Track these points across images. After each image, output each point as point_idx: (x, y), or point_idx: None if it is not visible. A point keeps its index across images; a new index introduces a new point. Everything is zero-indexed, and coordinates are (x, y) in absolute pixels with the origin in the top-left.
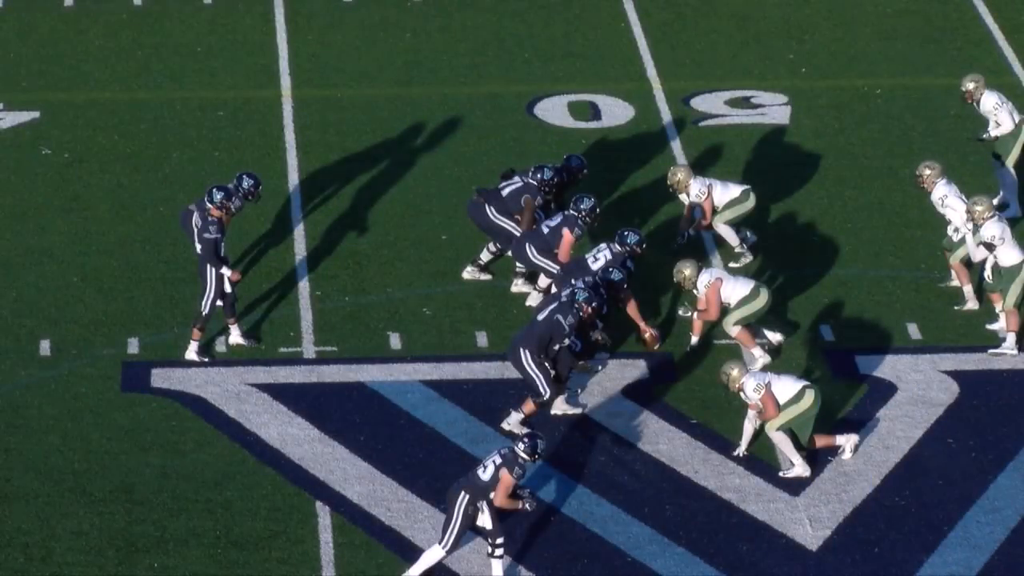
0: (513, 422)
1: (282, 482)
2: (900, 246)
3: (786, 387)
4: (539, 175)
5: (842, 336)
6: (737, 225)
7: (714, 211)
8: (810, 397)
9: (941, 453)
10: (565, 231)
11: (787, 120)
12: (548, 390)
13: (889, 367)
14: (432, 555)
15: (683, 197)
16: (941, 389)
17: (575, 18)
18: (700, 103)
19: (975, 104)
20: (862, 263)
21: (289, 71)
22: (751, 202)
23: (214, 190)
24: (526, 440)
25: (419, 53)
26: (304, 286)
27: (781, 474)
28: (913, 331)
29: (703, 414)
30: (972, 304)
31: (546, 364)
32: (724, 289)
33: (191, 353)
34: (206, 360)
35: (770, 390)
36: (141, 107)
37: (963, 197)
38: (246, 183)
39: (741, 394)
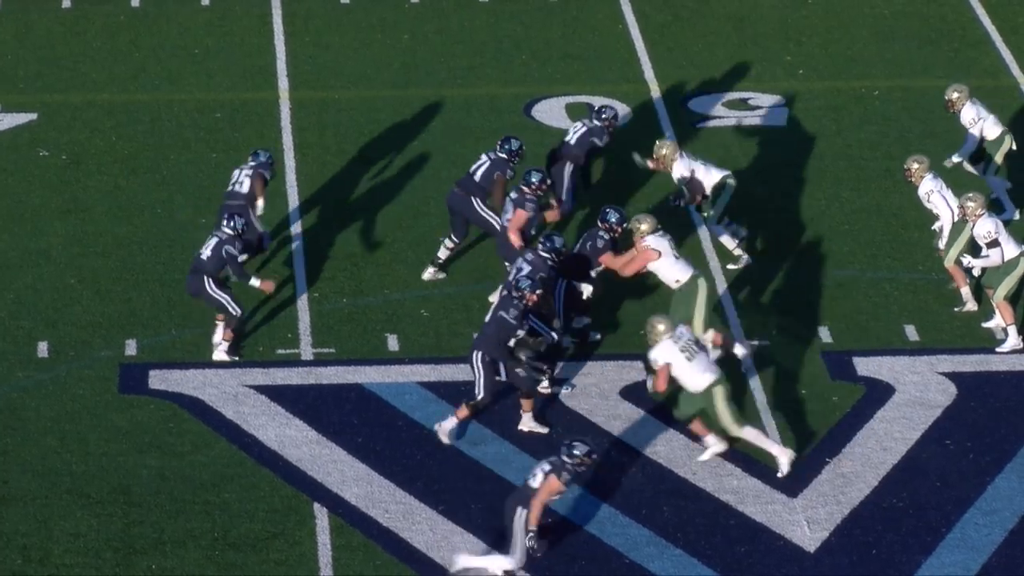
0: (445, 429)
1: (280, 484)
2: (898, 247)
3: (691, 374)
4: (507, 147)
5: (840, 338)
6: (730, 222)
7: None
8: (720, 392)
9: (939, 455)
10: (518, 211)
11: (784, 122)
12: (482, 393)
13: (887, 369)
14: (500, 562)
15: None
16: (939, 391)
17: (573, 20)
18: (697, 105)
19: (956, 114)
20: (860, 264)
21: (287, 73)
22: (732, 186)
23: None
24: (572, 446)
25: (416, 55)
26: (302, 288)
27: (701, 459)
28: (911, 332)
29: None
30: (971, 305)
31: (501, 368)
32: (661, 264)
33: (220, 353)
34: (236, 359)
35: (663, 370)
36: (139, 109)
37: (947, 194)
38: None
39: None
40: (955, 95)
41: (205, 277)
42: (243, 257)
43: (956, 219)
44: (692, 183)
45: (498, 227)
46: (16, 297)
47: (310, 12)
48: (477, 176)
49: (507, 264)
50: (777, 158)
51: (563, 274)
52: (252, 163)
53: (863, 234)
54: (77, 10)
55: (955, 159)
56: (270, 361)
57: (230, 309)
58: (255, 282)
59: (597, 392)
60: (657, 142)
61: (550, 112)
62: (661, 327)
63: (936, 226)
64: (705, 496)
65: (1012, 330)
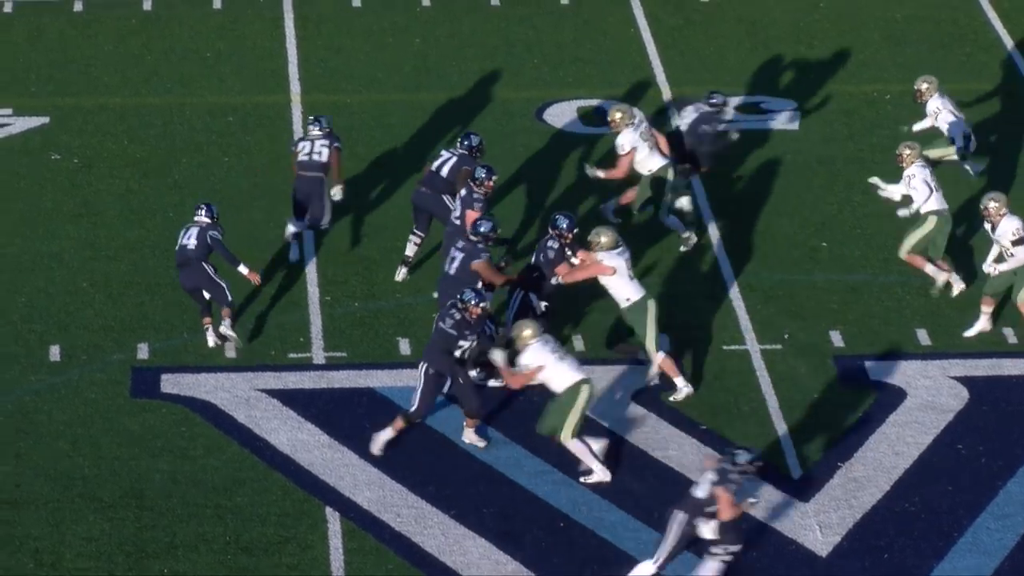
0: (379, 440)
1: (292, 488)
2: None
3: (562, 376)
4: (467, 143)
5: (852, 342)
6: (681, 212)
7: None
8: (584, 392)
9: (951, 459)
10: (468, 212)
11: (796, 126)
12: (415, 407)
13: (899, 373)
14: (642, 569)
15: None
16: (951, 395)
17: (584, 24)
18: None
19: (923, 104)
20: (872, 269)
21: (298, 76)
22: (670, 182)
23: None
24: (736, 453)
25: (428, 58)
26: (314, 292)
27: (582, 479)
28: (923, 337)
29: (712, 420)
30: (942, 281)
31: (441, 381)
32: (613, 281)
33: (227, 328)
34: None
35: (528, 372)
36: (150, 112)
37: (932, 182)
38: None
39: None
40: (924, 86)
41: (202, 265)
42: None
43: (923, 212)
44: (626, 158)
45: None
46: (28, 301)
47: (322, 16)
48: (444, 172)
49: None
50: (788, 162)
51: (521, 286)
52: (322, 133)
53: (875, 238)
54: (89, 14)
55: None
56: (282, 365)
57: (229, 295)
58: (243, 269)
59: (609, 396)
60: (614, 106)
61: (562, 116)
62: (528, 331)
63: (902, 211)
64: None
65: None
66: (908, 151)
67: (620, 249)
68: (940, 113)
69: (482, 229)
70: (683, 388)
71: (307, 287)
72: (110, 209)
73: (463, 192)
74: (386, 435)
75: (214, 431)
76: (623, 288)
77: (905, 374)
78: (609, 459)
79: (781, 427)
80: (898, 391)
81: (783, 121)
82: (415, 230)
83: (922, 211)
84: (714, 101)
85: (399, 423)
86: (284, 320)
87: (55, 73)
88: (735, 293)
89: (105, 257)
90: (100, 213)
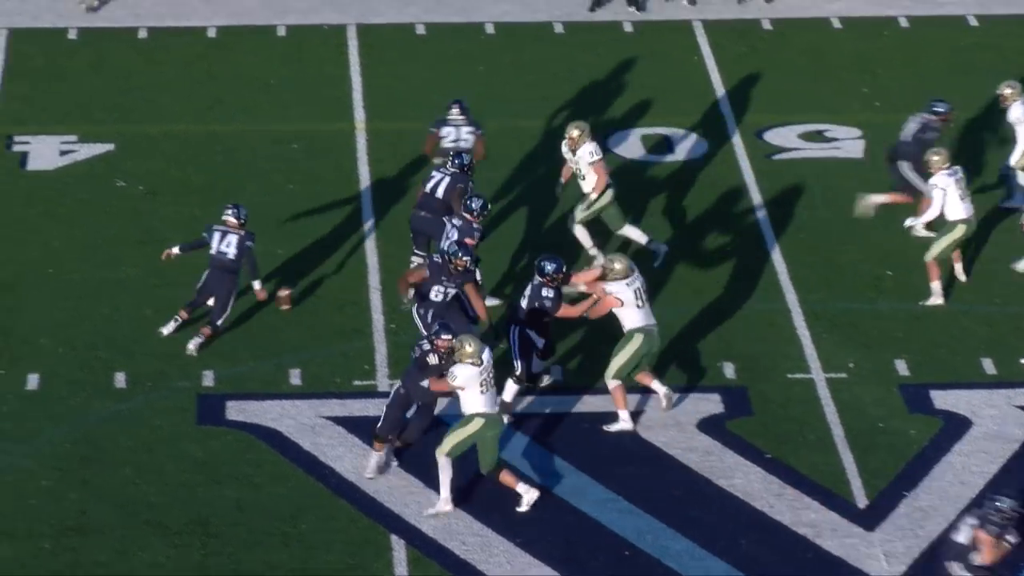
0: (370, 465)
1: (357, 515)
2: (974, 280)
3: (471, 403)
4: (458, 161)
5: (917, 371)
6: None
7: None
8: (478, 423)
9: (1017, 489)
10: (467, 240)
11: (861, 154)
12: (381, 424)
13: (964, 402)
14: None
15: (569, 154)
16: (1016, 424)
17: (648, 51)
18: (773, 136)
19: (1005, 110)
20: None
21: (363, 104)
22: (608, 198)
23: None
24: (998, 499)
25: (491, 86)
26: (378, 319)
27: (426, 512)
28: (988, 366)
29: (778, 448)
30: (938, 300)
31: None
32: (622, 312)
33: (194, 345)
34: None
35: (450, 384)
36: (215, 139)
37: (959, 191)
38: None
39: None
40: (1008, 91)
41: (234, 277)
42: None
43: (950, 219)
44: (594, 168)
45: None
46: (93, 328)
47: (386, 43)
48: (439, 193)
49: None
50: (853, 190)
51: (515, 322)
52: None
53: (940, 267)
54: (154, 40)
55: (1011, 162)
56: (347, 392)
57: (226, 315)
58: (256, 284)
59: (674, 424)
60: (572, 123)
61: (625, 144)
62: (470, 348)
63: (916, 222)
64: (782, 529)
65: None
66: (935, 158)
67: (632, 278)
68: (1021, 123)
69: (474, 206)
70: (624, 422)
71: (372, 315)
72: (175, 236)
73: (459, 222)
74: (374, 460)
75: (279, 458)
76: (628, 317)
77: (970, 403)
78: (675, 488)
79: (846, 456)
80: (963, 420)
81: (847, 149)
82: (416, 251)
83: (949, 219)
84: (938, 109)
85: (377, 444)
86: (349, 348)
87: (120, 100)
88: (800, 322)
89: (170, 284)
90: (165, 240)
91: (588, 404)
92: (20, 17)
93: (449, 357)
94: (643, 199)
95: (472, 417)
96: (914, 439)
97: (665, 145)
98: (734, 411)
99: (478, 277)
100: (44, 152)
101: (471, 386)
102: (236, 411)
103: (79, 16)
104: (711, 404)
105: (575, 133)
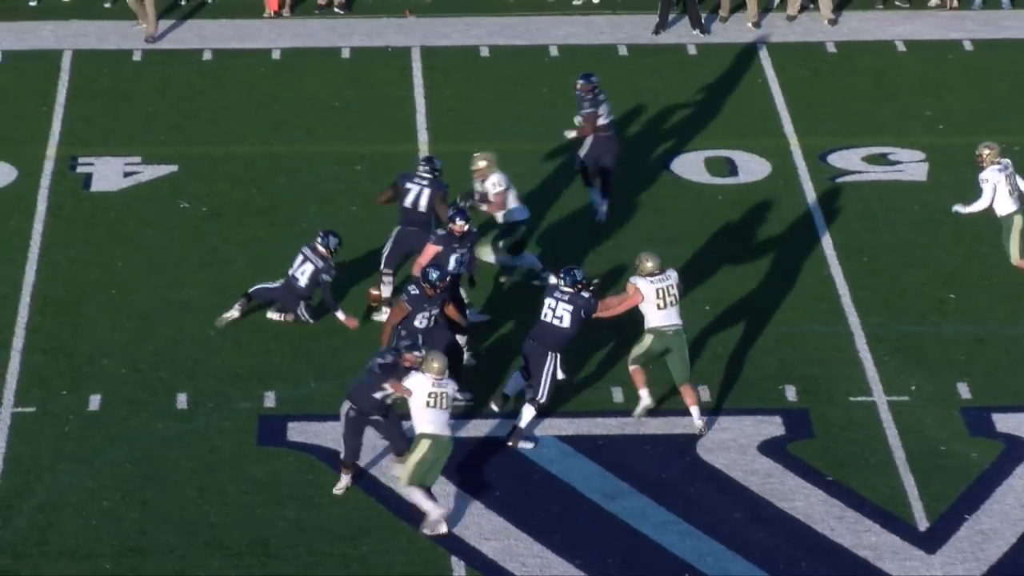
0: (340, 485)
1: (417, 536)
2: None
3: (420, 418)
4: (428, 166)
5: (979, 393)
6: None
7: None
8: (425, 445)
9: None
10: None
11: (924, 177)
12: (343, 451)
13: None
14: None
15: (478, 184)
16: None
17: (712, 74)
18: (837, 159)
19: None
20: (999, 320)
21: (426, 125)
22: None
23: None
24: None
25: (556, 108)
26: None
27: (423, 530)
28: None
29: (839, 471)
30: None
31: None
32: (643, 308)
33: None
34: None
35: (402, 385)
36: (278, 161)
37: (1008, 184)
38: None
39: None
40: (986, 151)
41: (300, 301)
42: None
43: (1000, 215)
44: (496, 198)
45: None
46: (155, 348)
47: (450, 65)
48: (422, 207)
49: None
50: (916, 213)
51: (551, 347)
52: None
53: (1001, 289)
54: (218, 62)
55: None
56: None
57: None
58: (340, 315)
59: (735, 447)
60: (476, 154)
61: (690, 166)
62: (436, 364)
63: (964, 209)
64: (843, 552)
65: None
66: (987, 151)
67: (660, 277)
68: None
69: (459, 221)
70: (644, 399)
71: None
72: (238, 257)
73: (438, 238)
74: (344, 481)
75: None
76: (649, 316)
77: None
78: (736, 510)
79: (908, 479)
80: None
81: (911, 172)
82: (386, 268)
83: (1000, 214)
84: None
85: (344, 469)
86: None
87: (183, 122)
88: (862, 344)
89: (233, 305)
90: (228, 261)
91: (649, 426)
92: (85, 39)
93: (407, 370)
94: (707, 221)
95: (419, 439)
96: (975, 462)
97: (729, 168)
98: (795, 433)
99: (464, 296)
100: (108, 173)
101: (418, 396)
102: (297, 432)
103: (143, 38)
104: (772, 426)
105: (482, 164)
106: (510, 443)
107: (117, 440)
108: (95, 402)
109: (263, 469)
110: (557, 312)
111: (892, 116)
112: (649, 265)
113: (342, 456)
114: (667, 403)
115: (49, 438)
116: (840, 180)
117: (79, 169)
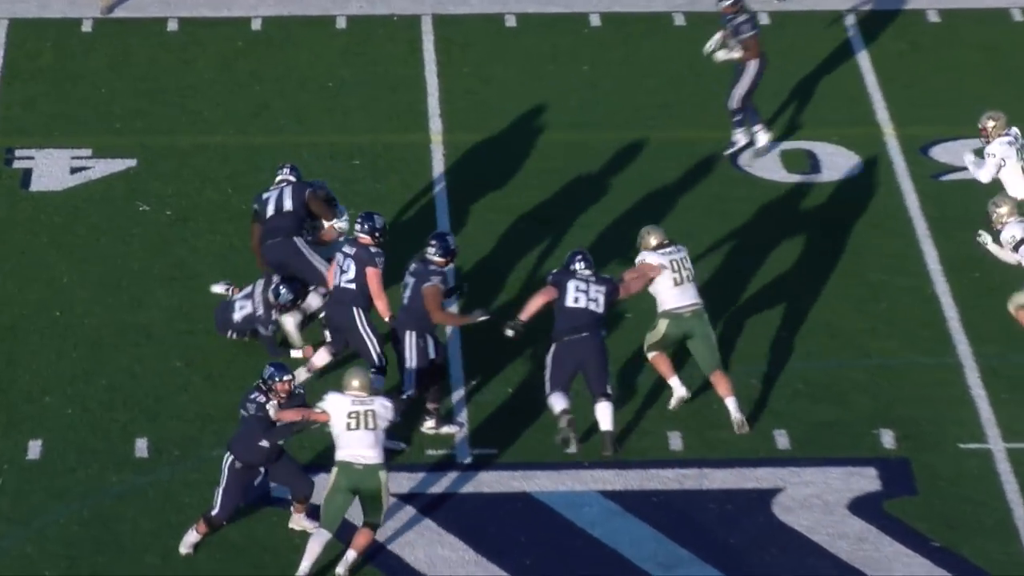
0: (187, 543)
1: None
2: None
3: (339, 447)
4: (289, 168)
5: None
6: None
7: None
8: (332, 473)
9: None
10: (369, 270)
11: None
12: (216, 508)
13: None
14: None
15: None
16: None
17: (790, 48)
18: (941, 153)
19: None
20: None
21: (440, 111)
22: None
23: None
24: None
25: (598, 90)
26: (457, 372)
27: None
28: None
29: (947, 535)
30: None
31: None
32: (656, 284)
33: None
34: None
35: (310, 410)
36: (259, 153)
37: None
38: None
39: None
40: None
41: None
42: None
43: None
44: None
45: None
46: (109, 383)
47: (469, 37)
48: (286, 206)
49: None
50: None
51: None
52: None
53: None
54: (185, 33)
55: None
56: (418, 464)
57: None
58: (295, 353)
59: (820, 504)
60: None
61: (762, 161)
62: (356, 383)
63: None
64: None
65: None
66: (992, 123)
67: (670, 249)
68: None
69: (378, 224)
70: (677, 389)
71: (448, 367)
72: (210, 271)
73: (352, 250)
74: (192, 538)
75: (336, 544)
76: (663, 296)
77: None
78: None
79: None
80: None
81: None
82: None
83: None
84: None
85: (203, 526)
86: (419, 408)
87: (143, 105)
88: (974, 379)
89: (203, 331)
90: (198, 276)
91: (713, 479)
92: (24, 5)
93: (291, 401)
94: (782, 227)
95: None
96: None
97: (810, 163)
98: (893, 488)
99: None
100: (51, 169)
101: (337, 420)
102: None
103: (95, 5)
104: (865, 480)
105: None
106: (607, 453)
107: (62, 495)
108: (35, 449)
109: (241, 532)
110: (592, 295)
111: (1007, 99)
112: (653, 239)
113: (213, 512)
114: (735, 449)
115: None
116: (945, 178)
117: (16, 164)
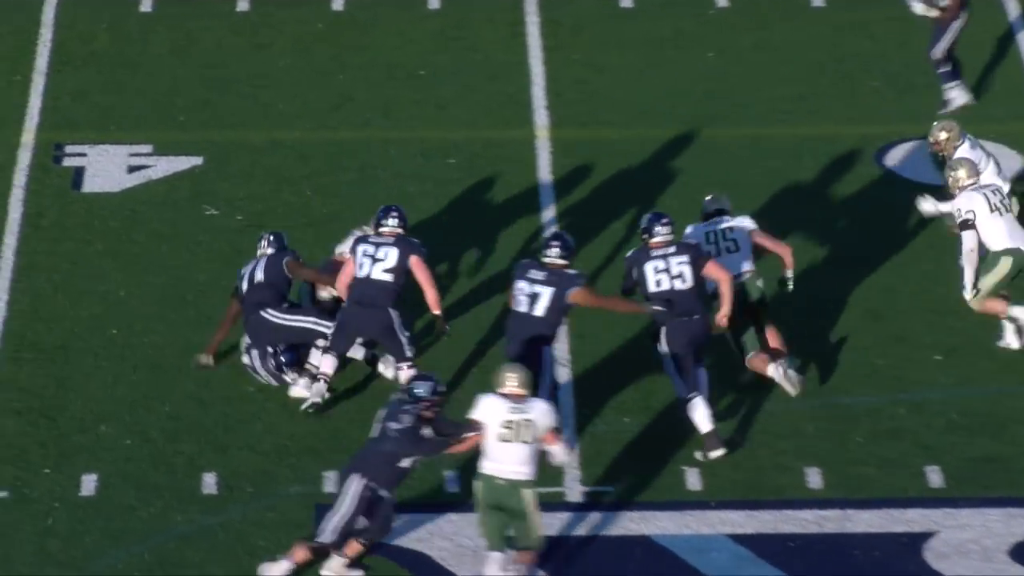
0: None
1: None
2: None
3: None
4: (273, 238)
5: None
6: None
7: None
8: (475, 489)
9: None
10: (415, 259)
11: None
12: (328, 533)
13: None
14: None
15: None
16: None
17: None
18: None
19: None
20: None
21: (546, 103)
22: None
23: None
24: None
25: (725, 80)
26: (567, 401)
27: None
28: None
29: None
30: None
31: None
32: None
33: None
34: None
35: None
36: (341, 151)
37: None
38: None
39: None
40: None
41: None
42: None
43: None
44: None
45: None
46: (174, 412)
47: (579, 20)
48: (259, 277)
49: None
50: None
51: None
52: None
53: None
54: (258, 14)
55: None
56: None
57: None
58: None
59: (978, 550)
60: None
61: (910, 159)
62: (513, 381)
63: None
64: None
65: None
66: (945, 135)
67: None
68: None
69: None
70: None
71: (558, 394)
72: None
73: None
74: (278, 570)
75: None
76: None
77: None
78: None
79: None
80: None
81: None
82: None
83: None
84: None
85: (302, 553)
86: None
87: (210, 96)
88: None
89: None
90: None
91: (857, 521)
92: None
93: (440, 411)
94: (931, 234)
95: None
96: None
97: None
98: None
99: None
100: (106, 167)
101: (489, 428)
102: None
103: None
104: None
105: None
106: (705, 454)
107: (119, 537)
108: (89, 485)
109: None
110: (674, 271)
111: None
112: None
113: (322, 538)
114: (881, 488)
115: (25, 534)
116: None
117: (66, 162)
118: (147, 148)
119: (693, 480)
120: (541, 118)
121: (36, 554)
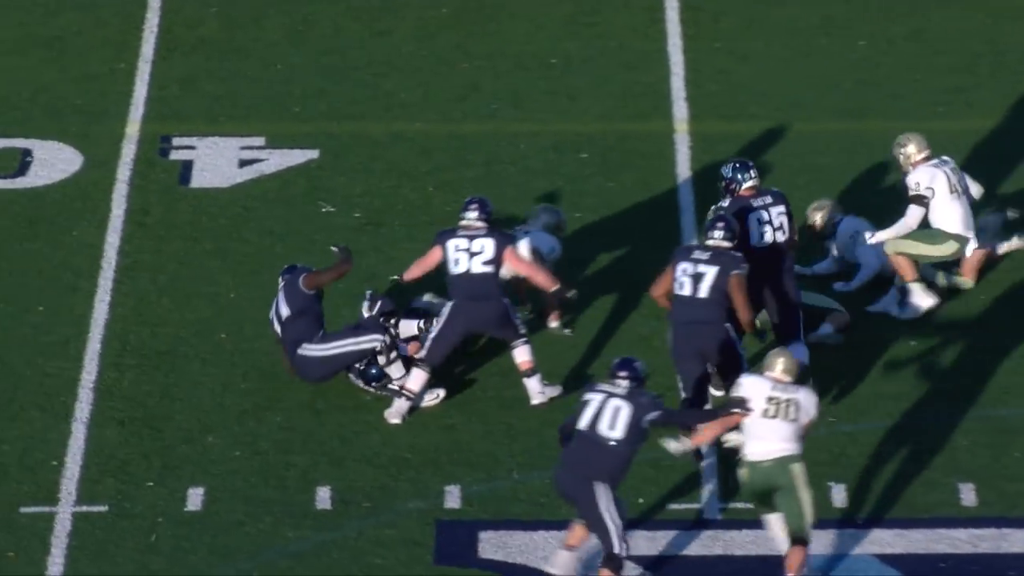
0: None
1: None
2: None
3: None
4: (284, 275)
5: None
6: None
7: None
8: (742, 476)
9: None
10: (510, 250)
11: None
12: (620, 545)
13: None
14: None
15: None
16: None
17: None
18: None
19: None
20: None
21: (685, 94)
22: None
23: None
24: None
25: (878, 70)
26: None
27: None
28: None
29: None
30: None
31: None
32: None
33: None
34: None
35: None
36: (468, 145)
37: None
38: None
39: None
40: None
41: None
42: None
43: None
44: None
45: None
46: (286, 420)
47: (720, 6)
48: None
49: None
50: None
51: None
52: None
53: None
54: None
55: None
56: (659, 521)
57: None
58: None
59: None
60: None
61: None
62: (781, 361)
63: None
64: None
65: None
66: (912, 146)
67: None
68: None
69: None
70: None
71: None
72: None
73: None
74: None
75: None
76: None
77: None
78: None
79: None
80: None
81: None
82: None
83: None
84: None
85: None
86: (660, 455)
87: (327, 86)
88: None
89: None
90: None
91: (1014, 541)
92: None
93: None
94: None
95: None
96: None
97: None
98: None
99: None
100: (216, 161)
101: (754, 405)
102: (493, 546)
103: None
104: None
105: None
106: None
107: (228, 554)
108: (195, 498)
109: None
110: (775, 221)
111: None
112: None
113: (617, 551)
114: None
115: (127, 551)
116: None
117: (173, 155)
118: (259, 141)
119: (839, 496)
120: (680, 110)
121: (138, 572)
